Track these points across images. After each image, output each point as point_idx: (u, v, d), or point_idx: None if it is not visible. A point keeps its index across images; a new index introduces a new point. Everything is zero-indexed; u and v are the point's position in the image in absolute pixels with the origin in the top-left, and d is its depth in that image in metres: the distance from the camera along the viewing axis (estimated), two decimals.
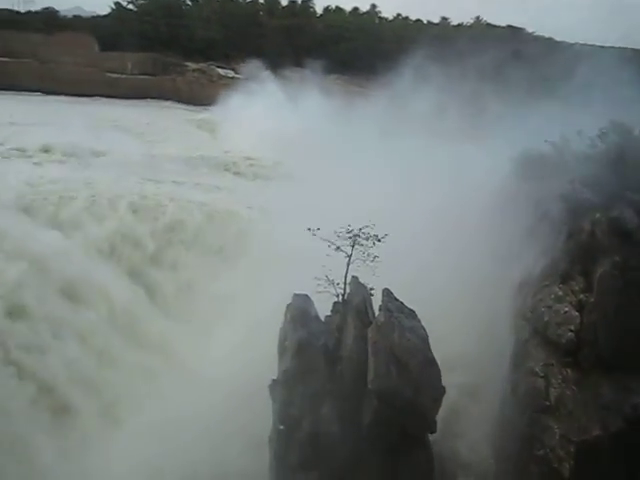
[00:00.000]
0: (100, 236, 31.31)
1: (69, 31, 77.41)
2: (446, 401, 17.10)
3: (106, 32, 78.95)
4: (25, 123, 49.91)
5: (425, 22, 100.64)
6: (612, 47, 56.96)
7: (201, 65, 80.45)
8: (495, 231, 23.45)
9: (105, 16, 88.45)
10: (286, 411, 18.49)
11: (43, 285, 26.92)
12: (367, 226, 18.19)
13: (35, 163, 40.03)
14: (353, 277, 18.77)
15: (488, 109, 42.26)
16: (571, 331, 17.20)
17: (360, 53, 76.64)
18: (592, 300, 17.42)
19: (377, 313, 17.86)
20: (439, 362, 16.81)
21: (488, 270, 22.71)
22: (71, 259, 28.92)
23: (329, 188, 31.50)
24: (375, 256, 18.03)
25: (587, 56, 37.58)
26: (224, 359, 25.57)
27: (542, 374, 17.57)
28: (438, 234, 25.19)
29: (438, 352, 16.97)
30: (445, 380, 16.88)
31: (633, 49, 52.89)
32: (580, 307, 17.61)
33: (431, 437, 17.47)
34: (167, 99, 74.91)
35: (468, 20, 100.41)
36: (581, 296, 17.86)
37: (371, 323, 17.72)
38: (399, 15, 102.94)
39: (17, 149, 41.97)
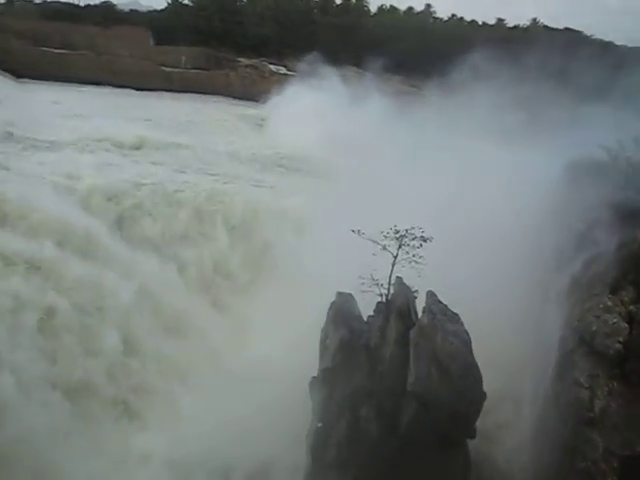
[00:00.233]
0: None
1: (126, 25, 79.27)
2: (484, 406, 16.91)
3: (161, 26, 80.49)
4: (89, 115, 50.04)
5: (480, 23, 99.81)
6: None
7: (253, 61, 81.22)
8: (544, 237, 23.06)
9: (161, 11, 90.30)
10: (324, 409, 18.54)
11: None
12: (414, 227, 18.10)
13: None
14: (397, 278, 18.68)
15: (543, 112, 41.55)
16: (619, 342, 16.76)
17: (414, 53, 76.13)
18: None
19: (420, 315, 17.76)
20: (480, 366, 16.63)
21: (536, 276, 22.34)
22: None
23: (380, 188, 31.28)
24: (420, 256, 17.91)
25: None
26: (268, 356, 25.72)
27: (587, 385, 17.15)
28: (487, 238, 24.87)
29: (480, 357, 16.77)
30: (485, 385, 16.69)
31: None
32: (630, 318, 17.14)
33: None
34: (219, 94, 75.50)
35: (525, 22, 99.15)
36: (631, 307, 17.38)
37: (414, 325, 17.62)
38: (454, 16, 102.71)
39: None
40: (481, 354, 16.84)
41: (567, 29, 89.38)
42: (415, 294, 18.61)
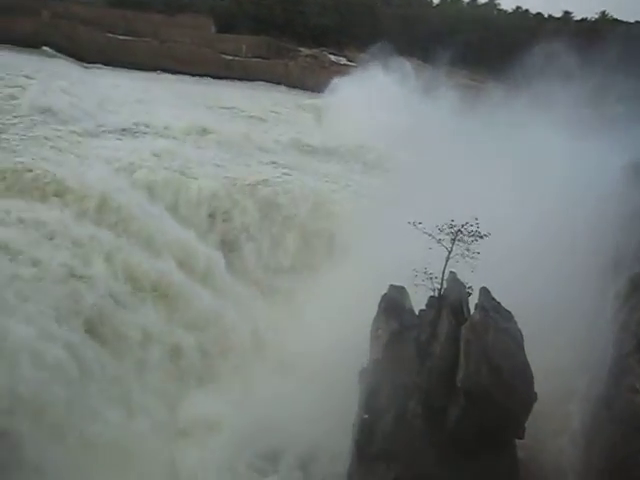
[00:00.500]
0: None
1: (188, 13, 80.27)
2: (534, 406, 16.66)
3: (223, 14, 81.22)
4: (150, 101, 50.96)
5: (546, 16, 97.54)
6: None
7: (314, 51, 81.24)
8: (601, 238, 22.54)
9: None
10: (372, 400, 18.57)
11: None
12: (469, 223, 17.78)
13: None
14: (451, 272, 18.51)
15: (608, 107, 40.36)
16: None
17: (477, 45, 75.00)
18: None
19: (472, 311, 17.59)
20: (531, 366, 16.39)
21: (592, 278, 21.88)
22: None
23: (439, 182, 30.96)
24: (476, 252, 17.66)
25: None
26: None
27: None
28: (544, 236, 24.42)
29: (531, 356, 16.54)
30: (536, 385, 16.44)
31: None
32: None
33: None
34: (278, 83, 75.73)
35: (592, 15, 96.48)
36: None
37: (466, 321, 17.47)
38: (519, 8, 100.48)
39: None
40: (532, 353, 16.62)
41: (638, 22, 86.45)
42: (469, 290, 18.41)
